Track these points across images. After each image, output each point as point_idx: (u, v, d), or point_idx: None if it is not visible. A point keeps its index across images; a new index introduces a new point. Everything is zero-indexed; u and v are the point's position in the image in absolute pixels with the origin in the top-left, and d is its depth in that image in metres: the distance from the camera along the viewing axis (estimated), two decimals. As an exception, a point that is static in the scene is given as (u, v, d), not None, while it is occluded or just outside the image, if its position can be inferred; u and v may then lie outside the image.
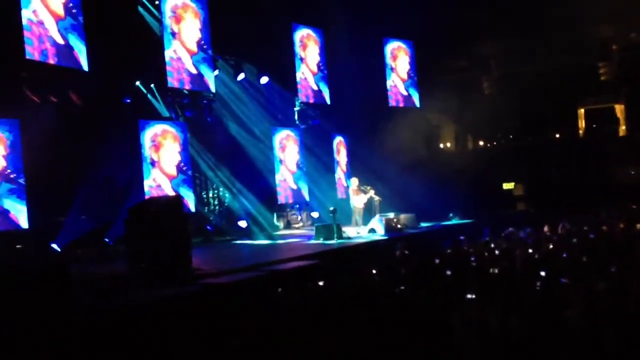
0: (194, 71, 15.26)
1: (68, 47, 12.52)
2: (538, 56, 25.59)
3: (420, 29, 21.06)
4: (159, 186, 14.48)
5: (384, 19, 20.36)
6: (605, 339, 4.39)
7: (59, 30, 12.34)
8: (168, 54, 14.67)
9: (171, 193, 14.41)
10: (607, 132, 25.30)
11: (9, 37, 11.41)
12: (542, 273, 6.81)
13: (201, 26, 15.54)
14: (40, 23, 11.99)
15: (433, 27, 21.17)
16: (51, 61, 12.10)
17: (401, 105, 21.54)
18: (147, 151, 14.40)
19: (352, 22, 19.31)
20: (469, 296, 5.91)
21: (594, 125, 26.12)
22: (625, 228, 10.88)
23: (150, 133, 14.53)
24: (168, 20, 14.76)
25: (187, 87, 15.18)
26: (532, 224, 12.96)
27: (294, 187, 18.34)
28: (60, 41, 12.37)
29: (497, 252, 9.23)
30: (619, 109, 25.55)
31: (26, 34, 11.64)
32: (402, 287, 6.84)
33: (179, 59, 14.94)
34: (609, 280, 6.12)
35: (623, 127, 25.36)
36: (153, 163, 14.50)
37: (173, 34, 14.85)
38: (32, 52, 11.75)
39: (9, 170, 11.78)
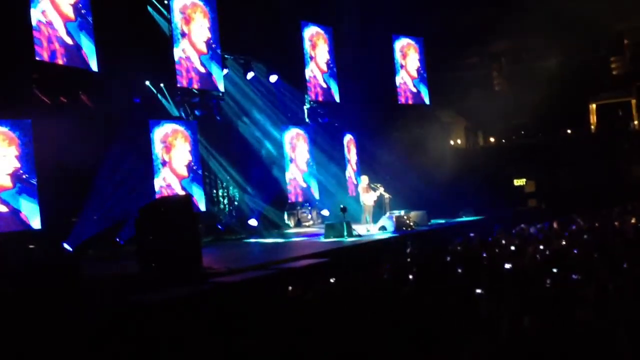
0: (202, 70, 15.31)
1: (77, 48, 12.59)
2: (549, 52, 25.44)
3: (430, 26, 21.01)
4: (169, 185, 14.54)
5: (393, 17, 20.30)
6: (617, 337, 4.34)
7: (67, 31, 12.41)
8: (177, 53, 14.75)
9: (181, 192, 14.47)
10: (619, 127, 25.10)
11: (20, 39, 11.49)
12: (554, 270, 6.77)
13: (210, 25, 15.59)
14: (49, 24, 12.07)
15: (443, 24, 21.12)
16: (60, 61, 12.19)
17: (411, 102, 21.49)
18: (158, 151, 14.46)
19: (362, 19, 19.27)
20: (478, 291, 5.89)
21: (606, 121, 25.91)
22: (636, 224, 10.79)
23: (161, 133, 14.59)
24: (177, 20, 14.82)
25: (196, 86, 15.23)
26: (543, 220, 12.90)
27: (304, 185, 18.36)
28: (69, 41, 12.43)
29: (508, 249, 9.18)
30: (633, 104, 25.34)
31: (35, 34, 11.74)
32: (413, 285, 6.83)
33: (188, 58, 15.00)
34: (621, 277, 6.07)
35: (636, 122, 25.14)
36: (164, 163, 14.57)
37: (182, 34, 14.92)
38: (41, 52, 11.85)
39: (21, 171, 11.87)
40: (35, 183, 11.94)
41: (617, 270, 6.55)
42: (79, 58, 12.64)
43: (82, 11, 12.78)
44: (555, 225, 11.91)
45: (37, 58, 11.74)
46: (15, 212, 11.75)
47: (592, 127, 26.29)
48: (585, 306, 4.84)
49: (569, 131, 26.47)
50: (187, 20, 15.06)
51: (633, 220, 11.14)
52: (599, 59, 25.67)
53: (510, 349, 4.47)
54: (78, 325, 6.61)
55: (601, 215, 12.89)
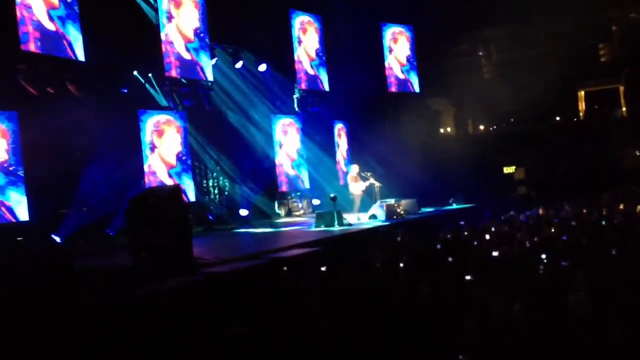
0: (187, 57, 15.01)
1: (56, 35, 12.26)
2: (538, 39, 25.45)
3: (420, 14, 20.94)
4: (153, 173, 14.40)
5: (383, 4, 20.23)
6: (611, 323, 4.35)
7: (50, 17, 12.14)
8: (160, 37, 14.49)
9: (167, 181, 14.40)
10: (608, 114, 25.23)
11: (5, 29, 11.32)
12: (543, 256, 6.82)
13: (199, 14, 15.44)
14: (27, 7, 11.76)
15: (433, 11, 21.06)
16: (31, 45, 11.83)
17: (401, 90, 21.47)
18: (149, 136, 14.33)
19: (351, 7, 19.17)
20: (468, 277, 5.93)
21: (596, 107, 26.04)
22: (625, 210, 10.89)
23: (154, 120, 14.50)
24: (165, 4, 14.60)
25: (174, 73, 14.86)
26: (533, 207, 12.97)
27: (291, 173, 18.33)
28: (51, 27, 12.11)
29: (498, 236, 9.24)
30: (621, 91, 25.46)
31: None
32: (404, 274, 6.86)
33: (171, 43, 14.70)
34: (610, 263, 6.12)
35: (623, 109, 25.28)
36: (152, 148, 14.44)
37: (169, 17, 14.67)
38: None
39: (9, 163, 11.76)
40: (22, 175, 11.83)
41: (606, 257, 6.61)
42: (56, 46, 12.24)
43: (68, 0, 12.60)
44: (542, 212, 12.00)
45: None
46: (2, 204, 11.65)
47: (581, 114, 26.41)
48: (577, 295, 4.86)
49: (558, 118, 26.57)
50: (177, 4, 14.90)
51: (622, 207, 11.23)
52: (587, 46, 25.70)
53: (504, 336, 4.49)
54: (74, 319, 6.58)
55: (590, 202, 12.98)
